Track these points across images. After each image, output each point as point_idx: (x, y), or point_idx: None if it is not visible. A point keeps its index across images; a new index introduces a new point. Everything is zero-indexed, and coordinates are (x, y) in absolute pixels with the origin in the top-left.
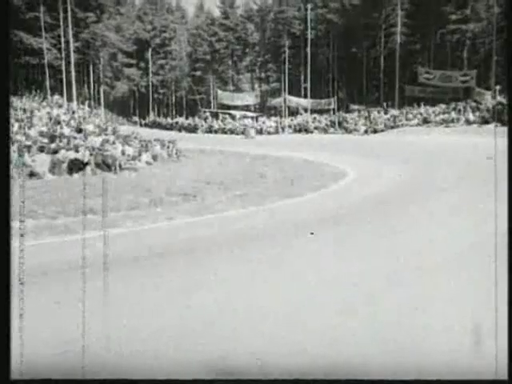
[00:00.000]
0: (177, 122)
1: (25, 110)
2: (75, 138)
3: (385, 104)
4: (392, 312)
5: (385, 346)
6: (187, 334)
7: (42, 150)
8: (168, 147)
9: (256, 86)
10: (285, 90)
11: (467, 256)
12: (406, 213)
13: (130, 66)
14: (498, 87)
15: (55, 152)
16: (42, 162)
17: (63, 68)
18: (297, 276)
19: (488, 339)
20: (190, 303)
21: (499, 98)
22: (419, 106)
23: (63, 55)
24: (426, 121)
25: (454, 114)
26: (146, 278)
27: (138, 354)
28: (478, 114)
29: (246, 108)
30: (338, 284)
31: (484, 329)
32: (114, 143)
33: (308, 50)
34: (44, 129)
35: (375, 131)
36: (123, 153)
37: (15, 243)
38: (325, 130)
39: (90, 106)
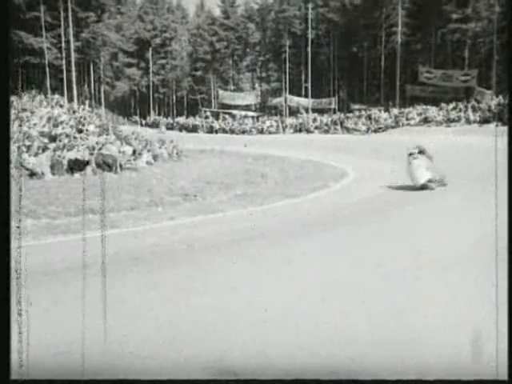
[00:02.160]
0: (177, 122)
1: (25, 110)
2: (76, 137)
3: (387, 103)
4: (391, 312)
5: (385, 345)
6: (186, 331)
7: (42, 149)
8: (168, 147)
9: (257, 85)
10: (285, 90)
11: (464, 257)
12: (405, 217)
13: (130, 65)
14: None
15: (55, 152)
16: (42, 161)
17: (64, 68)
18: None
19: (488, 339)
20: (190, 303)
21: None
22: (420, 105)
23: (64, 55)
24: (426, 120)
25: (454, 114)
26: (145, 278)
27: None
28: (478, 113)
29: (247, 107)
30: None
31: (484, 329)
32: (114, 143)
33: (309, 49)
34: (45, 129)
35: (376, 131)
36: (124, 153)
37: (14, 243)
38: (325, 130)
39: (90, 105)
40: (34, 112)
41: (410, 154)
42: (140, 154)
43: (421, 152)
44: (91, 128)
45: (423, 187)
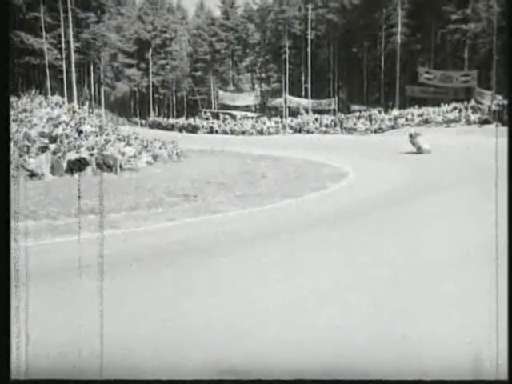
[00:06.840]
0: (177, 123)
1: (25, 110)
2: (76, 138)
3: (387, 104)
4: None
5: (386, 345)
6: (187, 330)
7: (42, 150)
8: (168, 147)
9: (256, 86)
10: (285, 91)
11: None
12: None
13: (130, 66)
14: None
15: (55, 152)
16: (42, 162)
17: (64, 68)
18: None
19: (488, 339)
20: (189, 303)
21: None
22: (420, 106)
23: (64, 55)
24: (426, 121)
25: (454, 114)
26: (145, 278)
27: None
28: (478, 114)
29: (247, 108)
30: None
31: (484, 328)
32: (114, 143)
33: (309, 50)
34: (45, 129)
35: (376, 131)
36: (123, 153)
37: (14, 244)
38: (325, 131)
39: (90, 106)
40: (34, 113)
41: (411, 135)
42: (140, 154)
43: (418, 135)
44: (91, 128)
45: (420, 151)
